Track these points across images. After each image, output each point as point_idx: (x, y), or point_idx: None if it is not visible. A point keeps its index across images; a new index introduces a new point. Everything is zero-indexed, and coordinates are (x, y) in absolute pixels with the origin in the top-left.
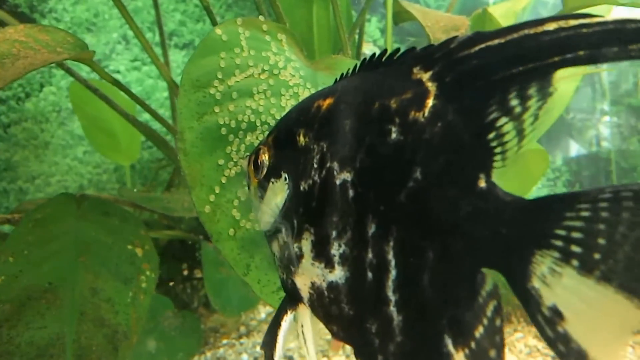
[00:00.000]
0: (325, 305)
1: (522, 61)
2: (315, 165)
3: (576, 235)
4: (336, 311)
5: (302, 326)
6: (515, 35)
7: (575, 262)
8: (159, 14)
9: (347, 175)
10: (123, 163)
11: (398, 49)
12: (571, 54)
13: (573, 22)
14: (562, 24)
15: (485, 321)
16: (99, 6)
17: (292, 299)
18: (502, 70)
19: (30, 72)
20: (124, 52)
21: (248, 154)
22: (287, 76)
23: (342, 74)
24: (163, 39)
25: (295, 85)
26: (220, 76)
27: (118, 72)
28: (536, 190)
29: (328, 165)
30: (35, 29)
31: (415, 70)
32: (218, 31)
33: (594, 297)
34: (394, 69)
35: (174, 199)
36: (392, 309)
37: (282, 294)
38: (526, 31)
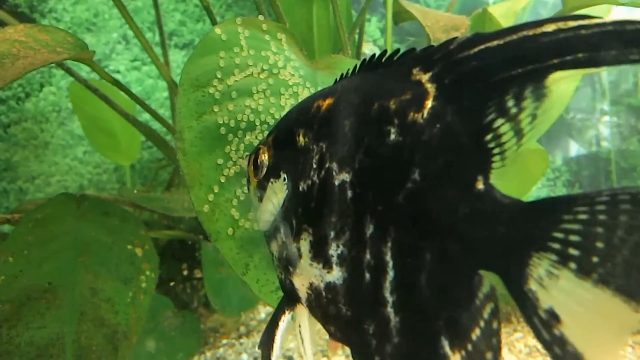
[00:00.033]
0: (322, 306)
1: (521, 63)
2: (315, 166)
3: (574, 238)
4: (334, 312)
5: (299, 326)
6: (514, 37)
7: (572, 265)
8: (159, 14)
9: (345, 176)
10: (123, 163)
11: (398, 50)
12: (570, 57)
13: (572, 24)
14: (561, 25)
15: (482, 323)
16: (99, 6)
17: (290, 299)
18: (501, 72)
19: (30, 72)
20: (124, 52)
21: (247, 153)
22: (286, 75)
23: (342, 74)
24: (163, 39)
25: (294, 84)
26: (219, 75)
27: (118, 72)
28: (536, 190)
29: (327, 165)
30: (35, 29)
31: (414, 71)
32: (217, 31)
33: (591, 300)
34: (393, 70)
35: (174, 199)
36: (390, 310)
37: (281, 293)
38: (525, 33)
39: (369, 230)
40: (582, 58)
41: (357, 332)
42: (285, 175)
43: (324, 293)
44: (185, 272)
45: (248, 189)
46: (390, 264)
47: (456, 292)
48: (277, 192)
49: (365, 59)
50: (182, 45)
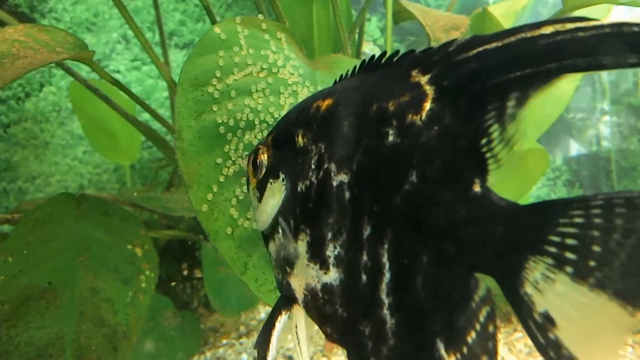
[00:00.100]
0: (319, 307)
1: (519, 66)
2: (313, 166)
3: (570, 241)
4: (330, 313)
5: (296, 327)
6: (512, 39)
7: (568, 269)
8: (159, 14)
9: (343, 177)
10: (123, 163)
11: (397, 51)
12: (568, 61)
13: (570, 26)
14: (559, 27)
15: (477, 326)
16: (99, 6)
17: (287, 299)
18: (499, 75)
19: (29, 71)
20: (124, 52)
21: (246, 153)
22: (286, 74)
23: (342, 75)
24: (163, 39)
25: (294, 83)
26: (218, 75)
27: (118, 72)
28: (536, 190)
29: (325, 166)
30: (34, 29)
31: (413, 73)
32: (217, 30)
33: (587, 304)
34: (392, 71)
35: (174, 198)
36: (386, 311)
37: (279, 293)
38: (523, 35)
39: (366, 231)
40: (580, 62)
41: (353, 334)
42: (284, 176)
43: (320, 294)
44: (185, 272)
45: (247, 189)
46: (387, 265)
47: (452, 294)
48: (276, 193)
49: (364, 60)
50: (182, 45)
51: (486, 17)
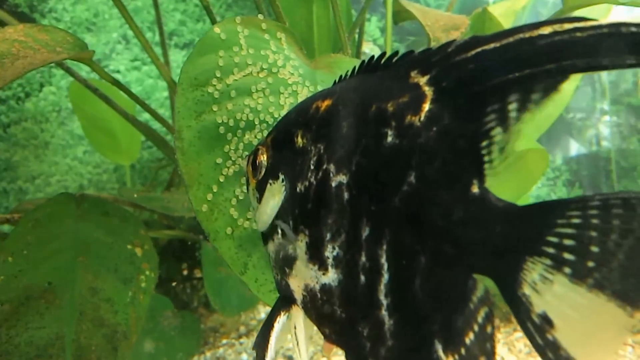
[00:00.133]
0: (317, 308)
1: (518, 67)
2: (312, 167)
3: (568, 242)
4: (328, 314)
5: (295, 328)
6: (511, 40)
7: (567, 270)
8: (159, 14)
9: (342, 178)
10: (123, 163)
11: (397, 52)
12: (567, 62)
13: (568, 26)
14: (557, 28)
15: (476, 327)
16: (99, 6)
17: (285, 300)
18: (497, 75)
19: (29, 71)
20: (124, 52)
21: (247, 153)
22: (285, 74)
23: (341, 75)
24: (163, 39)
25: (294, 83)
26: (218, 75)
27: (118, 72)
28: (536, 190)
29: (324, 167)
30: (34, 29)
31: (412, 73)
32: (217, 30)
33: (585, 305)
34: (392, 72)
35: (174, 198)
36: (384, 312)
37: (278, 293)
38: (522, 35)
39: (365, 232)
40: (579, 63)
41: (351, 335)
42: (283, 176)
43: (319, 295)
44: (185, 272)
45: (247, 189)
46: (385, 266)
47: (450, 295)
48: (276, 193)
49: (364, 61)
50: (182, 45)
51: (486, 17)
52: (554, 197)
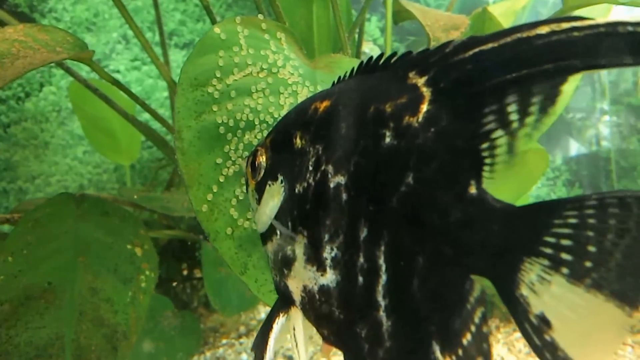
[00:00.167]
0: (316, 309)
1: (515, 67)
2: (311, 168)
3: (565, 242)
4: (327, 315)
5: (294, 329)
6: (508, 40)
7: (564, 270)
8: (159, 14)
9: (340, 179)
10: (123, 163)
11: (395, 53)
12: (564, 62)
13: (565, 26)
14: (555, 27)
15: (472, 328)
16: (99, 6)
17: (284, 301)
18: (495, 76)
19: (29, 71)
20: (124, 52)
21: (247, 153)
22: (285, 74)
23: (340, 76)
24: (163, 39)
25: (294, 83)
26: (218, 75)
27: (118, 71)
28: (536, 190)
29: (323, 168)
30: (34, 29)
31: (410, 74)
32: (217, 30)
33: (583, 305)
34: (390, 73)
35: (174, 198)
36: (382, 314)
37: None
38: (519, 35)
39: (363, 233)
40: (576, 63)
41: (349, 336)
42: (282, 177)
43: (317, 296)
44: (185, 272)
45: (246, 191)
46: (384, 267)
47: (448, 296)
48: (275, 195)
49: (362, 62)
50: (182, 45)
51: (486, 17)
52: (553, 197)
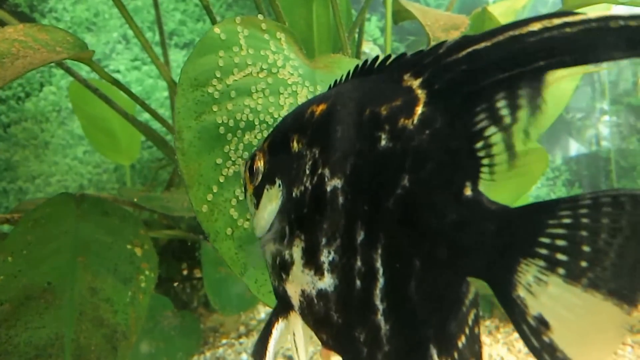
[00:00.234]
0: (314, 313)
1: (508, 66)
2: (308, 172)
3: (560, 243)
4: (325, 319)
5: (293, 334)
6: (500, 38)
7: (561, 271)
8: (159, 14)
9: (337, 182)
10: (123, 163)
11: (390, 55)
12: (556, 58)
13: (557, 21)
14: (547, 23)
15: (467, 330)
16: (99, 6)
17: (283, 306)
18: (488, 75)
19: (29, 71)
20: (124, 52)
21: (247, 153)
22: (285, 75)
23: (336, 80)
24: (163, 39)
25: (293, 83)
26: (218, 75)
27: (118, 71)
28: (536, 190)
29: (319, 171)
30: (34, 29)
31: (405, 77)
32: (217, 30)
33: (581, 305)
34: (385, 76)
35: (174, 198)
36: (380, 317)
37: None
38: (511, 33)
39: (360, 236)
40: (568, 59)
41: (348, 340)
42: (280, 182)
43: (315, 300)
44: (184, 272)
45: (245, 195)
46: (381, 271)
47: (445, 299)
48: (273, 199)
49: (358, 65)
50: (182, 44)
51: (486, 16)
52: (553, 197)
